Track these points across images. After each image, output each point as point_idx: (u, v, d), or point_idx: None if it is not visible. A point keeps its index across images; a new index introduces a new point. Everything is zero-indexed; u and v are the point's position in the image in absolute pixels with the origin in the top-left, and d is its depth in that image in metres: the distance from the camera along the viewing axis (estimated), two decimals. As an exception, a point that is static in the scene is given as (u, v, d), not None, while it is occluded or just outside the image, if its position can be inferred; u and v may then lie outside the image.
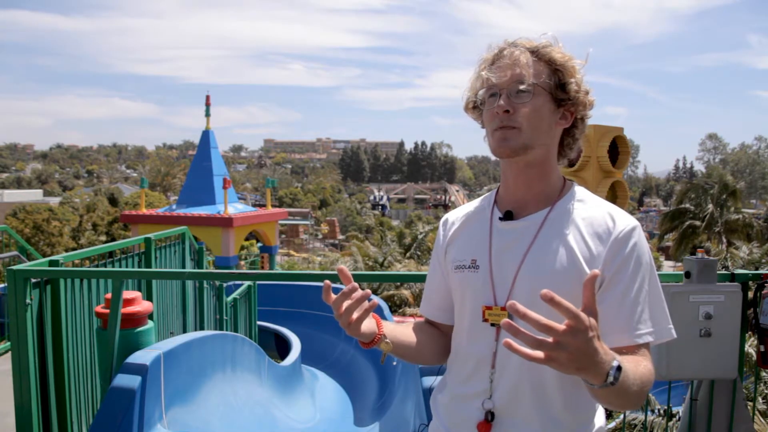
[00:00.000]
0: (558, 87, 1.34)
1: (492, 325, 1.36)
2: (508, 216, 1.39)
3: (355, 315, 1.26)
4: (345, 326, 1.27)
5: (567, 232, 1.33)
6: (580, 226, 1.33)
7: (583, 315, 1.04)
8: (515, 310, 1.01)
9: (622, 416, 3.84)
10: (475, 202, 1.53)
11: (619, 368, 1.10)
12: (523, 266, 1.33)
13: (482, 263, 1.39)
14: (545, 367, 1.30)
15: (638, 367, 1.21)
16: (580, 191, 1.41)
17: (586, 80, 1.39)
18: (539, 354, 1.03)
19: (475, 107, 1.41)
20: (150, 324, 3.13)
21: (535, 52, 1.34)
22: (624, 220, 1.33)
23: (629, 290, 1.28)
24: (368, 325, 1.33)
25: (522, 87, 1.31)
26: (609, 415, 9.61)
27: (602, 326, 1.30)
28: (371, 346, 1.36)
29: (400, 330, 1.46)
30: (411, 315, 14.66)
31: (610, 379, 1.09)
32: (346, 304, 1.25)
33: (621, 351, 1.29)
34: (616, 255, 1.29)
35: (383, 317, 8.30)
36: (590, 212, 1.35)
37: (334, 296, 1.26)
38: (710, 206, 22.33)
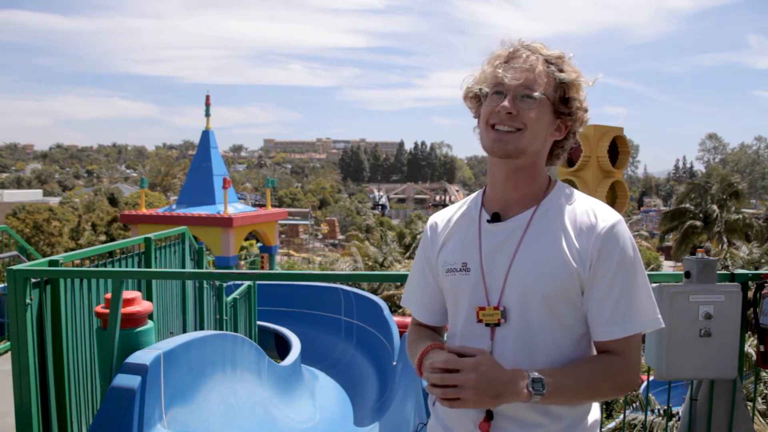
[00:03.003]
0: (561, 101, 1.36)
1: (486, 325, 1.38)
2: (495, 218, 1.41)
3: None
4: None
5: (553, 230, 1.36)
6: (565, 223, 1.36)
7: (460, 361, 1.24)
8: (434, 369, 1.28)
9: (622, 416, 3.84)
10: (461, 204, 1.55)
11: (537, 380, 1.23)
12: (513, 266, 1.36)
13: (473, 266, 1.41)
14: (539, 362, 1.36)
15: (590, 368, 1.31)
16: (564, 189, 1.44)
17: (587, 79, 1.41)
18: (452, 397, 1.23)
19: (474, 97, 1.42)
20: (150, 324, 3.13)
21: (549, 62, 1.36)
22: (607, 215, 1.35)
23: (614, 284, 1.32)
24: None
25: (531, 93, 1.33)
26: (609, 415, 9.62)
27: (590, 321, 1.36)
28: None
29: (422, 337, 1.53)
30: (411, 315, 14.66)
31: (534, 393, 1.23)
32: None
33: (610, 344, 1.34)
34: (601, 250, 1.32)
35: (383, 317, 8.23)
36: (574, 209, 1.38)
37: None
38: (714, 206, 22.29)
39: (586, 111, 1.40)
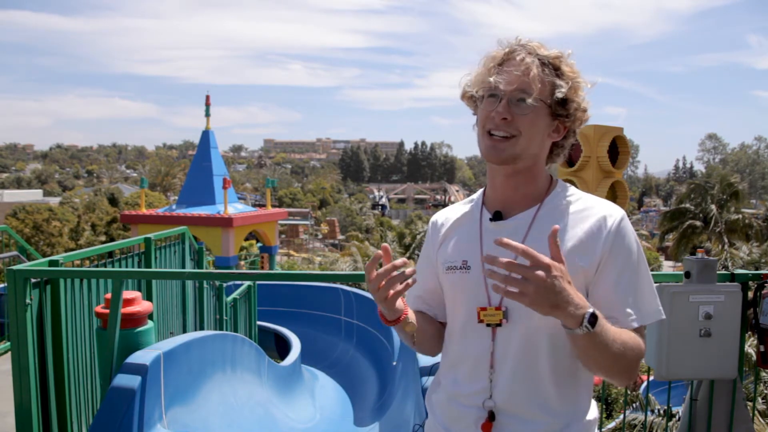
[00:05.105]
0: (559, 103, 1.34)
1: (488, 325, 1.37)
2: (497, 216, 1.41)
3: (391, 291, 1.29)
4: (380, 301, 1.30)
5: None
6: (569, 221, 1.35)
7: (539, 256, 1.16)
8: (501, 242, 1.17)
9: (622, 416, 3.84)
10: (463, 203, 1.55)
11: (593, 315, 1.18)
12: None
13: (473, 264, 1.40)
14: (541, 362, 1.35)
15: (622, 333, 1.28)
16: (566, 187, 1.43)
17: (586, 80, 1.40)
18: (512, 288, 1.15)
19: (471, 98, 1.41)
20: (150, 324, 3.13)
21: (545, 64, 1.33)
22: (611, 212, 1.35)
23: (620, 279, 1.32)
24: (398, 303, 1.35)
25: (525, 99, 1.31)
26: (609, 415, 9.62)
27: None
28: (394, 324, 1.38)
29: (419, 318, 1.50)
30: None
31: (585, 322, 1.17)
32: (385, 281, 1.28)
33: None
34: (606, 246, 1.32)
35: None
36: (578, 206, 1.38)
37: (375, 271, 1.29)
38: (713, 206, 22.27)
39: (585, 111, 1.38)
